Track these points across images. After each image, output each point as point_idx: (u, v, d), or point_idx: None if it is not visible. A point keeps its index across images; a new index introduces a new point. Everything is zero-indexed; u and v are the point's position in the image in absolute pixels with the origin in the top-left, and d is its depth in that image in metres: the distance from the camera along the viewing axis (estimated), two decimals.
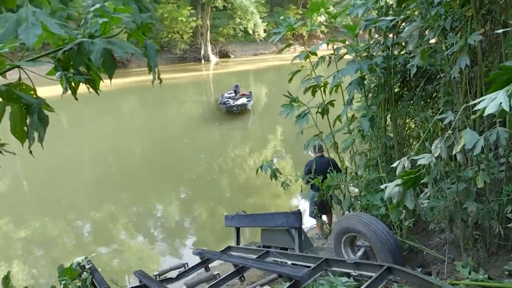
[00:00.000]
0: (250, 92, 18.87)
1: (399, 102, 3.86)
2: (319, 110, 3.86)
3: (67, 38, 1.79)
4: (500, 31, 1.78)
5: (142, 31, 1.95)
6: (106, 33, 1.75)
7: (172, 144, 13.50)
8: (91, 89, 2.02)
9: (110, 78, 1.69)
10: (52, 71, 1.99)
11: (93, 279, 4.25)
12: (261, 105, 19.67)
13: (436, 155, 2.42)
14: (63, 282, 3.31)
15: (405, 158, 2.48)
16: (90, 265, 4.47)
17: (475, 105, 1.62)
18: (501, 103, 1.57)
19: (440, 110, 2.51)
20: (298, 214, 3.96)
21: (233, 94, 17.89)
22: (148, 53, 1.85)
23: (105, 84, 1.91)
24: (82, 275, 4.13)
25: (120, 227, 8.22)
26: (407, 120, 4.19)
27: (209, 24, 36.00)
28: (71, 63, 1.87)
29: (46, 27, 1.71)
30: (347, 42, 3.56)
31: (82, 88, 1.97)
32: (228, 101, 17.09)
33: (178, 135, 14.84)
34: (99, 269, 4.60)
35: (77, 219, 8.57)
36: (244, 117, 16.71)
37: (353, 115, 3.84)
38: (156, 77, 2.00)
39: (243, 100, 16.93)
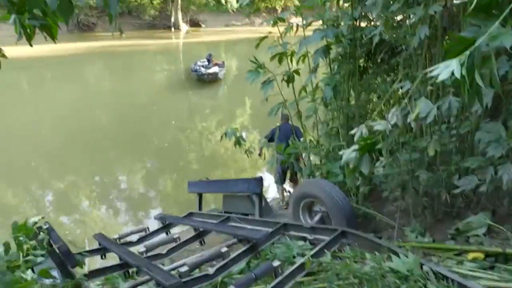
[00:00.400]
0: (223, 62, 18.70)
1: (364, 75, 3.94)
2: (285, 78, 3.89)
3: None
4: (458, 1, 1.85)
5: None
6: None
7: (139, 112, 13.26)
8: (48, 37, 1.97)
9: (67, 23, 1.64)
10: (6, 15, 1.91)
11: (50, 240, 4.18)
12: (232, 76, 19.57)
13: (392, 122, 2.52)
14: (19, 239, 3.24)
15: (363, 125, 2.57)
16: (47, 226, 4.39)
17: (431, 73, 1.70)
18: (453, 70, 1.65)
19: (399, 79, 2.60)
20: (259, 180, 4.03)
21: (206, 63, 17.70)
22: (109, 2, 1.81)
23: (66, 48, 1.86)
24: (38, 235, 4.05)
25: (82, 196, 8.08)
26: (371, 94, 4.30)
27: None
28: (26, 7, 1.80)
29: None
30: (314, 11, 3.57)
31: (46, 50, 1.91)
32: (200, 69, 16.95)
33: (146, 103, 14.58)
34: (59, 234, 4.55)
35: (37, 187, 8.36)
36: (215, 86, 16.65)
37: (317, 84, 3.89)
38: (118, 29, 1.96)
39: (215, 69, 16.84)
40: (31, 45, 1.95)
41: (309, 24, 3.63)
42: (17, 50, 7.23)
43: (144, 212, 7.62)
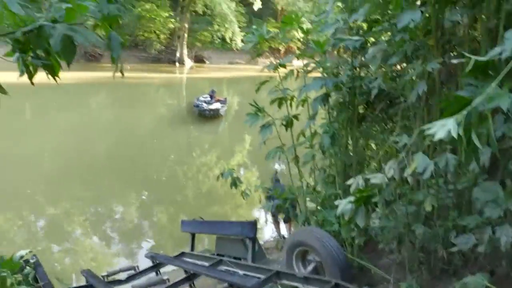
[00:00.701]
0: (225, 98, 18.94)
1: (362, 123, 3.97)
2: (284, 122, 3.92)
3: (28, 20, 1.76)
4: (456, 61, 1.89)
5: (109, 22, 1.93)
6: (71, 20, 1.73)
7: (139, 144, 13.32)
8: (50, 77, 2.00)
9: (68, 64, 1.66)
10: (10, 52, 1.94)
11: (36, 274, 4.07)
12: (233, 112, 19.80)
13: (389, 175, 2.50)
14: (2, 274, 3.15)
15: (360, 176, 2.55)
16: (34, 260, 4.29)
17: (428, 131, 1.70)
18: (450, 129, 1.65)
19: (397, 133, 2.61)
20: (253, 224, 3.98)
21: (209, 99, 17.92)
22: (111, 45, 1.84)
23: (72, 77, 1.88)
24: (25, 269, 3.95)
25: (75, 225, 7.96)
26: (369, 141, 4.31)
27: (187, 27, 35.95)
28: (31, 46, 1.84)
29: (7, 7, 1.68)
30: (317, 59, 3.65)
31: (50, 79, 1.93)
32: (202, 104, 17.11)
33: (146, 135, 14.70)
34: (47, 266, 4.43)
35: (31, 214, 8.24)
36: (216, 122, 16.83)
37: (315, 131, 3.90)
38: (119, 70, 1.98)
39: (217, 105, 17.05)
40: (32, 84, 1.97)
41: (309, 72, 3.69)
42: (17, 76, 7.35)
43: (137, 245, 7.50)
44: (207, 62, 39.04)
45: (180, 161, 12.01)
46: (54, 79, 1.92)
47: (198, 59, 38.55)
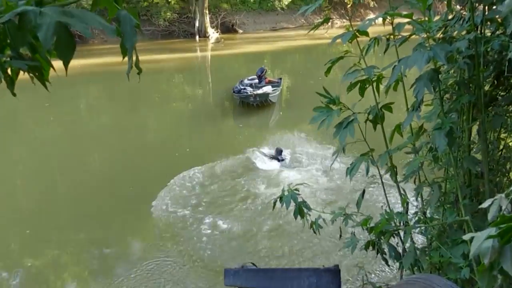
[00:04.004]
0: (280, 78, 18.92)
1: (491, 108, 3.81)
2: (370, 117, 3.84)
3: (3, 6, 1.80)
4: None
5: None
6: (62, 1, 1.75)
7: (150, 157, 13.62)
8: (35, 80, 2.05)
9: (66, 66, 1.67)
10: None
11: None
12: (288, 97, 19.77)
13: None
14: None
15: (502, 195, 2.43)
16: None
17: None
18: None
19: None
20: (335, 273, 3.91)
21: (256, 81, 18.02)
22: (122, 30, 1.82)
23: (56, 71, 1.91)
24: None
25: (68, 278, 8.27)
26: (503, 135, 4.13)
27: None
28: (8, 41, 1.89)
29: None
30: (414, 17, 3.54)
31: (37, 83, 1.97)
32: (244, 89, 17.34)
33: (161, 143, 15.02)
34: None
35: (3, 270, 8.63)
36: (264, 113, 16.99)
37: (421, 127, 3.79)
38: (133, 64, 1.99)
39: (266, 89, 17.21)
40: (13, 94, 2.03)
41: (406, 40, 3.58)
42: None
43: None
44: (240, 31, 39.46)
45: (212, 175, 12.13)
46: (44, 84, 1.96)
47: (227, 28, 39.04)
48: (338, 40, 3.70)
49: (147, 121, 17.86)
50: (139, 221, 10.17)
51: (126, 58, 1.83)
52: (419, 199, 4.03)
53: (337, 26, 40.65)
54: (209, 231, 9.50)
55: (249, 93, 16.86)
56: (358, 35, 3.61)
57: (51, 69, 1.85)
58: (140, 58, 1.99)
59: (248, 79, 18.73)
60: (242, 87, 17.71)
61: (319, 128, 3.59)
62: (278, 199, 4.34)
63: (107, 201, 10.99)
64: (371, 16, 3.91)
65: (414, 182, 4.05)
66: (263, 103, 17.05)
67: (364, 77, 3.73)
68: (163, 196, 10.95)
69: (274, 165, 12.49)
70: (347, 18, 4.20)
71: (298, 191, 4.37)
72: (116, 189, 11.70)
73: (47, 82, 1.89)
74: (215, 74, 26.05)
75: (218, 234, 9.46)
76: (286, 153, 13.32)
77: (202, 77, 26.44)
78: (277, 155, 12.92)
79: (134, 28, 1.82)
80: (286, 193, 4.33)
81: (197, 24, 36.97)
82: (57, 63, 1.77)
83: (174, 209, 10.34)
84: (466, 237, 2.58)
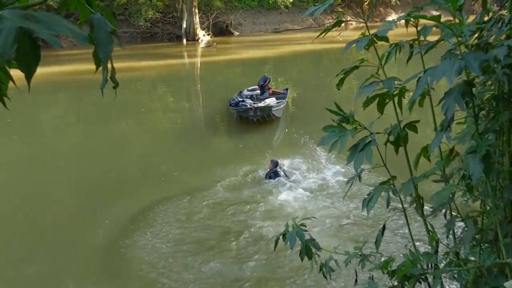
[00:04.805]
0: (287, 89, 18.81)
1: None
2: (391, 137, 3.75)
3: None
4: None
5: None
6: (23, 2, 1.75)
7: (126, 183, 13.40)
8: None
9: (29, 79, 1.65)
10: None
11: None
12: (294, 115, 19.55)
13: None
14: None
15: None
16: None
17: None
18: None
19: None
20: None
21: (257, 92, 17.90)
22: (96, 36, 1.82)
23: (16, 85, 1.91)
24: None
25: None
26: None
27: None
28: None
29: None
30: (443, 19, 3.56)
31: None
32: (243, 101, 17.21)
33: (136, 167, 14.77)
34: None
35: None
36: (267, 129, 16.74)
37: (452, 150, 3.72)
38: (108, 76, 1.99)
39: (269, 101, 17.03)
40: None
41: (433, 47, 3.50)
42: None
43: None
44: (235, 33, 39.66)
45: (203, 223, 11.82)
46: (2, 101, 1.95)
47: (220, 30, 39.23)
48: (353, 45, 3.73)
49: (125, 141, 17.32)
50: (114, 262, 9.84)
51: (100, 69, 1.85)
52: (450, 236, 3.88)
53: (352, 28, 40.77)
54: (195, 274, 9.33)
55: (249, 106, 16.68)
56: (376, 40, 3.64)
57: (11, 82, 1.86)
58: (117, 65, 1.98)
59: (249, 90, 18.56)
60: (241, 99, 17.53)
61: (330, 151, 3.58)
62: (281, 237, 4.33)
63: (75, 239, 10.61)
64: (393, 16, 3.81)
65: (445, 216, 3.97)
66: (265, 118, 16.76)
67: (383, 91, 3.74)
68: (144, 230, 10.69)
69: (276, 191, 12.40)
70: (364, 18, 4.18)
71: (305, 226, 4.36)
72: (86, 223, 11.28)
73: (6, 98, 1.89)
74: (206, 85, 25.89)
75: (206, 278, 9.24)
76: (287, 167, 13.27)
77: (191, 88, 26.31)
78: (273, 170, 12.87)
79: (110, 34, 1.84)
80: (290, 229, 4.32)
81: (184, 25, 37.04)
82: (17, 73, 1.76)
83: (156, 246, 10.11)
84: (509, 284, 2.60)
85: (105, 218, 11.43)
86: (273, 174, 12.92)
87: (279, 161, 13.13)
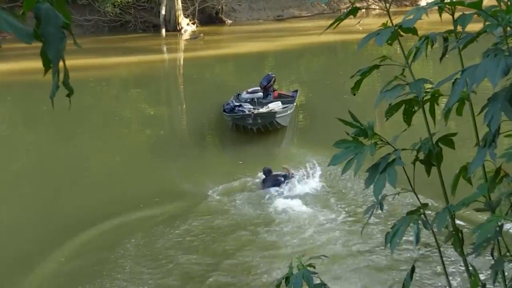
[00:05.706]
0: (296, 91, 18.63)
1: None
2: (421, 155, 3.73)
3: None
4: None
5: None
6: None
7: (93, 208, 13.10)
8: None
9: None
10: None
11: None
12: (304, 123, 19.39)
13: None
14: None
15: None
16: None
17: None
18: None
19: None
20: None
21: (260, 94, 17.78)
22: (43, 32, 1.75)
23: None
24: None
25: None
26: None
27: None
28: None
29: None
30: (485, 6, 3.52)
31: None
32: (240, 106, 17.01)
33: (103, 189, 14.57)
34: None
35: None
36: (271, 142, 16.58)
37: (498, 170, 3.68)
38: (60, 80, 1.92)
39: (274, 105, 16.93)
40: None
41: (473, 40, 3.47)
42: None
43: None
44: (228, 21, 39.86)
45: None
46: None
47: (209, 18, 39.47)
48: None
49: (87, 159, 16.70)
50: None
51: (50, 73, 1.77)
52: (499, 280, 3.97)
53: (375, 14, 40.92)
54: None
55: (247, 112, 16.48)
56: (402, 33, 3.60)
57: None
58: (76, 62, 1.90)
59: (249, 92, 18.39)
60: (237, 104, 17.29)
61: (343, 172, 3.55)
62: (284, 280, 4.30)
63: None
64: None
65: (492, 255, 3.97)
66: (267, 127, 16.50)
67: (410, 96, 3.71)
68: (115, 271, 10.69)
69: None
70: (385, 4, 4.08)
71: (314, 267, 4.32)
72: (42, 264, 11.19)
73: None
74: (191, 86, 25.58)
75: None
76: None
77: (171, 90, 26.34)
78: (267, 180, 12.77)
79: (62, 29, 1.76)
80: (295, 270, 4.28)
81: (163, 11, 37.07)
82: None
83: None
84: None
85: (61, 255, 11.18)
86: (271, 182, 12.73)
87: (270, 168, 12.88)
